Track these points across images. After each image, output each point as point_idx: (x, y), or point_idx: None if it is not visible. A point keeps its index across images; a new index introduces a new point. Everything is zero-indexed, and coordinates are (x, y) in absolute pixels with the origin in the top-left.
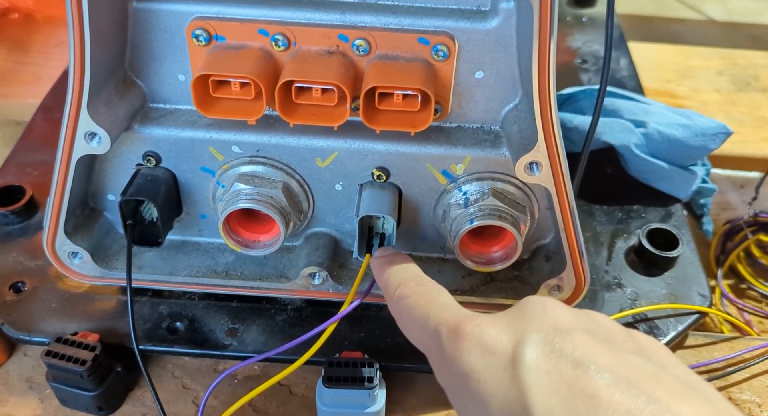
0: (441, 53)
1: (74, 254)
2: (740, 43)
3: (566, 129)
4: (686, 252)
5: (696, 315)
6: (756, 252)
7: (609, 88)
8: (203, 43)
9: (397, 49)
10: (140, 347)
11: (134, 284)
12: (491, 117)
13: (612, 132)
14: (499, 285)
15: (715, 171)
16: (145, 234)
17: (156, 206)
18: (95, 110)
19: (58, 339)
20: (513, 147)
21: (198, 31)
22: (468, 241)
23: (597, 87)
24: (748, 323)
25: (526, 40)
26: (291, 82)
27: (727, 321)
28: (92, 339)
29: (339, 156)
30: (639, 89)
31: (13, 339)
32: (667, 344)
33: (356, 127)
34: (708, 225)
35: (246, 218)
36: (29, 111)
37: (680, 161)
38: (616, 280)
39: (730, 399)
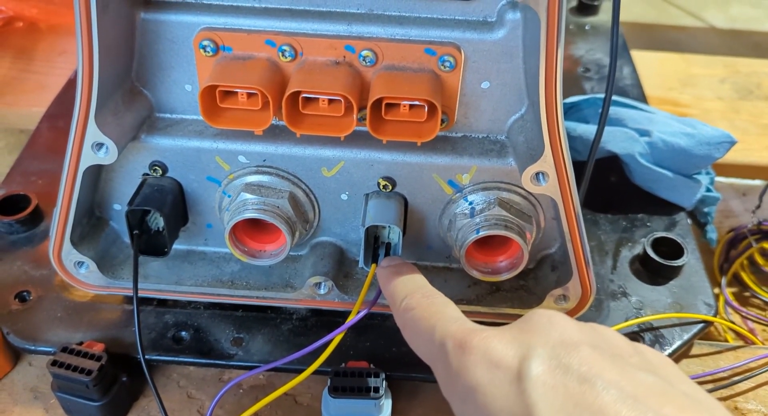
0: (447, 64)
1: (80, 264)
2: (741, 50)
3: (570, 138)
4: (691, 260)
5: (702, 324)
6: (760, 260)
7: (613, 97)
8: (210, 53)
9: (404, 60)
10: (146, 357)
11: (140, 294)
12: (497, 127)
13: (616, 141)
14: (504, 295)
15: (717, 179)
16: (151, 244)
17: (162, 216)
18: (103, 120)
19: (64, 349)
20: (519, 157)
21: (205, 42)
22: (474, 251)
23: (600, 96)
24: (752, 331)
25: (533, 50)
26: (298, 93)
27: (731, 329)
28: (98, 348)
29: (345, 166)
30: (642, 97)
31: (18, 348)
32: (672, 353)
33: (362, 137)
34: (712, 234)
35: (252, 228)
36: (33, 119)
37: (685, 170)
38: (621, 289)
39: (736, 409)
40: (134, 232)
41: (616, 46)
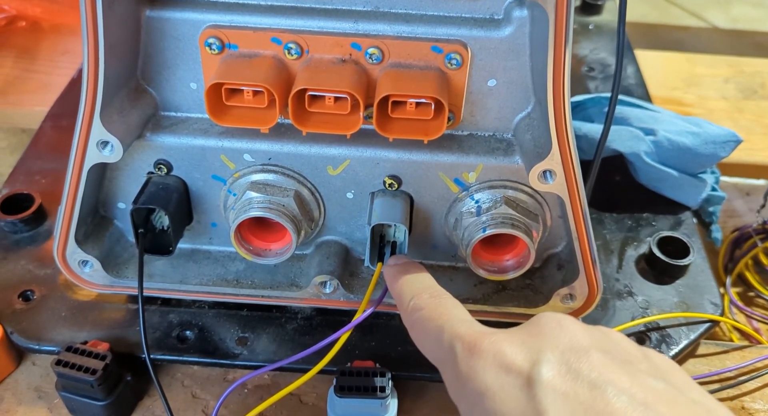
0: (454, 61)
1: (84, 262)
2: (744, 50)
3: (575, 137)
4: (697, 260)
5: (708, 324)
6: (764, 260)
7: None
8: (216, 51)
9: (410, 58)
10: (150, 356)
11: (145, 293)
12: (503, 125)
13: (621, 140)
14: (511, 294)
15: (721, 178)
16: (156, 243)
17: (167, 214)
18: (108, 119)
19: (68, 348)
20: (526, 155)
21: (211, 40)
22: (480, 250)
23: (605, 95)
24: (757, 331)
25: (540, 48)
26: (304, 91)
27: (736, 329)
28: (102, 348)
29: (351, 164)
30: (646, 97)
31: (22, 348)
32: (679, 352)
33: (368, 135)
34: (717, 233)
35: (257, 226)
36: (36, 119)
37: (690, 169)
38: (627, 289)
39: (743, 408)
40: (139, 231)
41: (622, 45)
